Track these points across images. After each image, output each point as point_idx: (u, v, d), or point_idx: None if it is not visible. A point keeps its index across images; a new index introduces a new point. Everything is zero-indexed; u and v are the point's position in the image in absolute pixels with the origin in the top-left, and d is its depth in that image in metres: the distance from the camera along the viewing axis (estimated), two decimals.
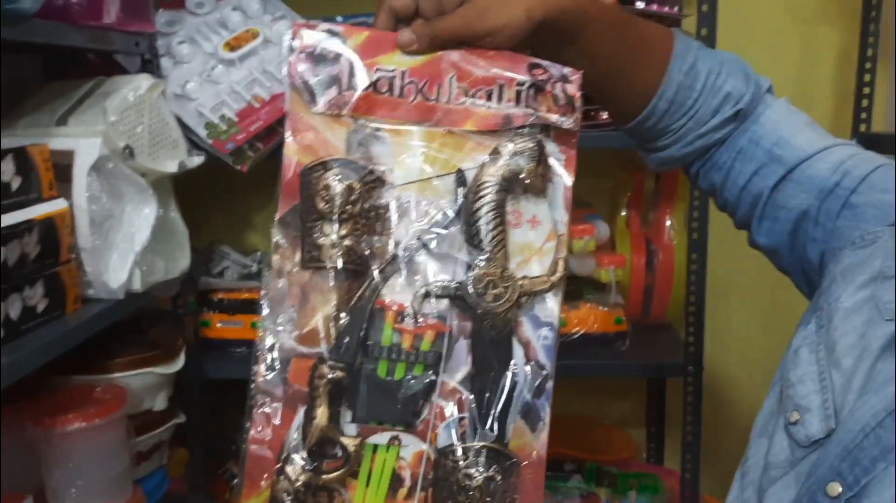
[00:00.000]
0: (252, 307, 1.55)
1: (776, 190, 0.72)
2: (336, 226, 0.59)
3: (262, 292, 0.60)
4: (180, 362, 1.34)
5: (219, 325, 1.54)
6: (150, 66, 1.35)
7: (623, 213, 1.70)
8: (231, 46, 1.42)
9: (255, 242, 1.83)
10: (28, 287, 1.01)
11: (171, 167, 1.27)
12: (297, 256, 0.60)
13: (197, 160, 1.32)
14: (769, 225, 0.74)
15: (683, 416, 1.54)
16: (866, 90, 1.58)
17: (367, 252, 0.59)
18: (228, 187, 1.73)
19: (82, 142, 1.12)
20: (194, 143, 1.37)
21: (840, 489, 0.58)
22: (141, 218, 1.21)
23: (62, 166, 1.10)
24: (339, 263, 0.59)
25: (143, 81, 1.24)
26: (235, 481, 0.58)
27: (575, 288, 1.56)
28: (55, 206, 1.07)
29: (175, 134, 1.32)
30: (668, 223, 1.60)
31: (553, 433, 1.97)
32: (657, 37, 0.73)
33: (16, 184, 1.01)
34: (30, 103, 1.23)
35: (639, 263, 1.60)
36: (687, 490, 1.56)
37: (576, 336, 1.50)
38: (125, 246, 1.19)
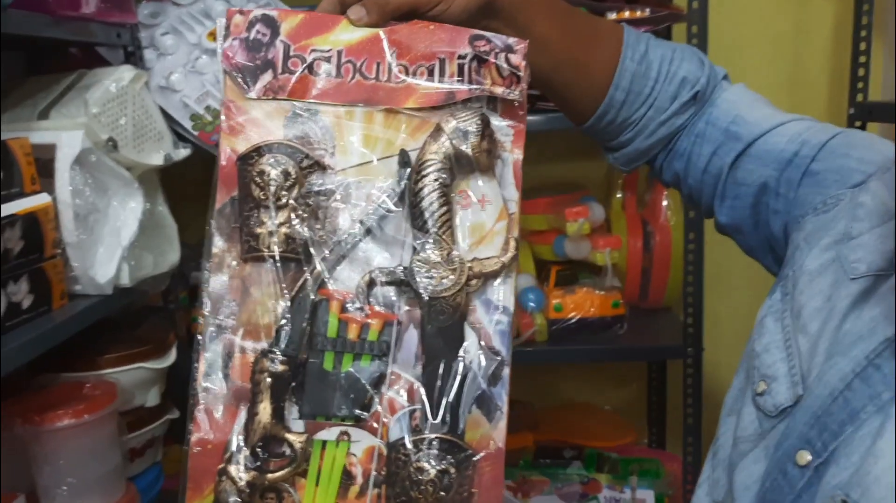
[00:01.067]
0: None
1: (734, 167, 0.72)
2: (273, 213, 0.56)
3: (203, 286, 0.58)
4: (172, 357, 1.33)
5: None
6: (133, 58, 1.34)
7: (619, 195, 1.67)
8: (215, 36, 1.40)
9: None
10: (12, 283, 1.01)
11: (157, 160, 1.26)
12: (237, 248, 0.58)
13: (183, 152, 1.31)
14: (730, 203, 0.73)
15: (684, 400, 1.52)
16: (862, 59, 1.55)
17: (307, 240, 0.57)
18: None
19: (64, 135, 1.11)
20: (180, 136, 1.36)
21: (809, 457, 0.56)
22: (127, 211, 1.20)
23: (44, 160, 1.09)
24: (277, 252, 0.56)
25: (126, 73, 1.23)
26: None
27: (570, 272, 1.54)
28: (38, 200, 1.07)
29: (160, 126, 1.30)
30: (664, 203, 1.57)
31: (552, 420, 1.93)
32: (607, 27, 0.73)
33: None
34: (10, 99, 1.21)
35: (635, 245, 1.57)
36: (689, 474, 1.55)
37: (573, 321, 1.48)
38: (112, 240, 1.18)
